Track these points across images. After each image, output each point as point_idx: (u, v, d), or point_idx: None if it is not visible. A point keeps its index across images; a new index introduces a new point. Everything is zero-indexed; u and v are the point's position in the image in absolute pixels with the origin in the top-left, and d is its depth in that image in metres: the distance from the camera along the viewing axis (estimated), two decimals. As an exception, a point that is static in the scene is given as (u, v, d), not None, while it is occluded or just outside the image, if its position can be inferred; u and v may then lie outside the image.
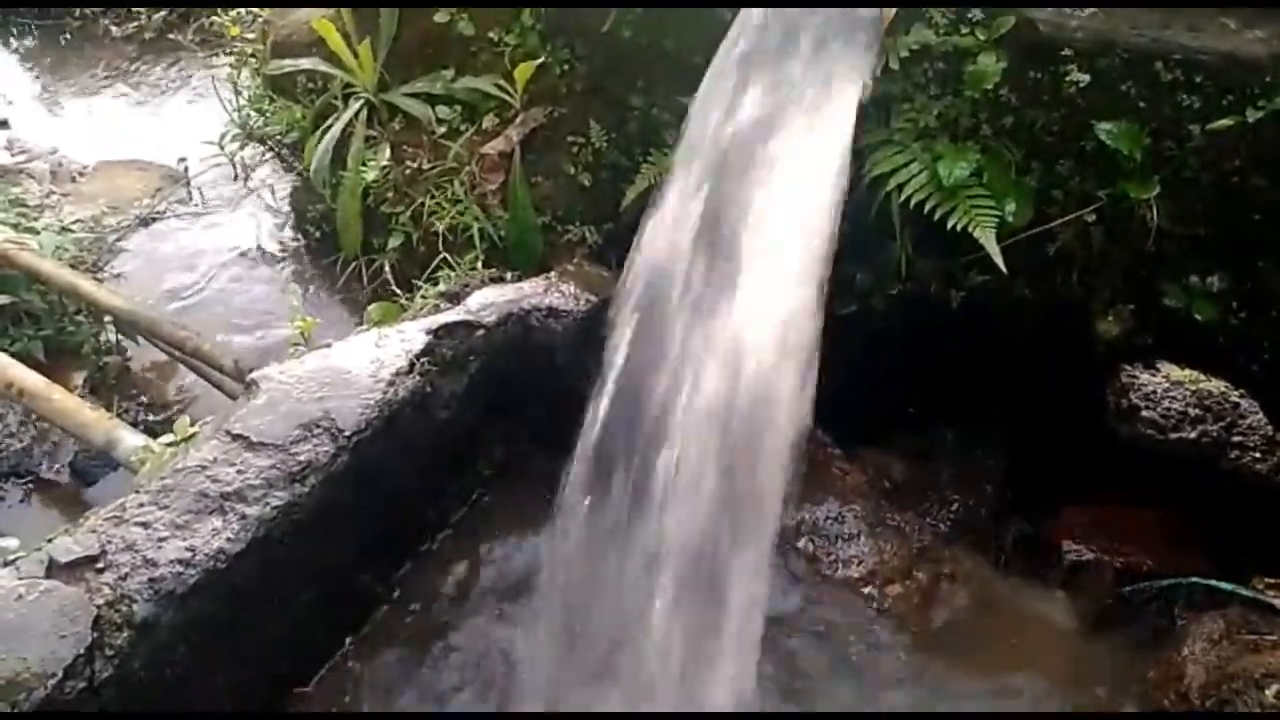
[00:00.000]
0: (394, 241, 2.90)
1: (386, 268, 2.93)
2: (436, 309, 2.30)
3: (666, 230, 1.88)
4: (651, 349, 1.82)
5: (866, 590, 2.05)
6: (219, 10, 3.91)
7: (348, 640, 1.92)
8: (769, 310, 1.74)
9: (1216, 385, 2.43)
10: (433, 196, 2.80)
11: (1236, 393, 2.41)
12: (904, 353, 2.32)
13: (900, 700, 1.91)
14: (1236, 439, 2.38)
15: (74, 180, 3.80)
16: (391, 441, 1.87)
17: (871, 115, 2.04)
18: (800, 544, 2.11)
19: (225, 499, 1.64)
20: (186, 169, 3.81)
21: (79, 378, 2.87)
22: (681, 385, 1.77)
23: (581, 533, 1.86)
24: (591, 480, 1.83)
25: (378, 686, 1.87)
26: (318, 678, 1.86)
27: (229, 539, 1.60)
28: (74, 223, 3.43)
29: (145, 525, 1.58)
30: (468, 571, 2.06)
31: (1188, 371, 2.43)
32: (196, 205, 3.69)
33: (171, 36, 4.79)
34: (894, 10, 1.95)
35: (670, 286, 1.84)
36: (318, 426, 1.78)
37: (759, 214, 1.80)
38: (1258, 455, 2.36)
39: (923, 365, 2.33)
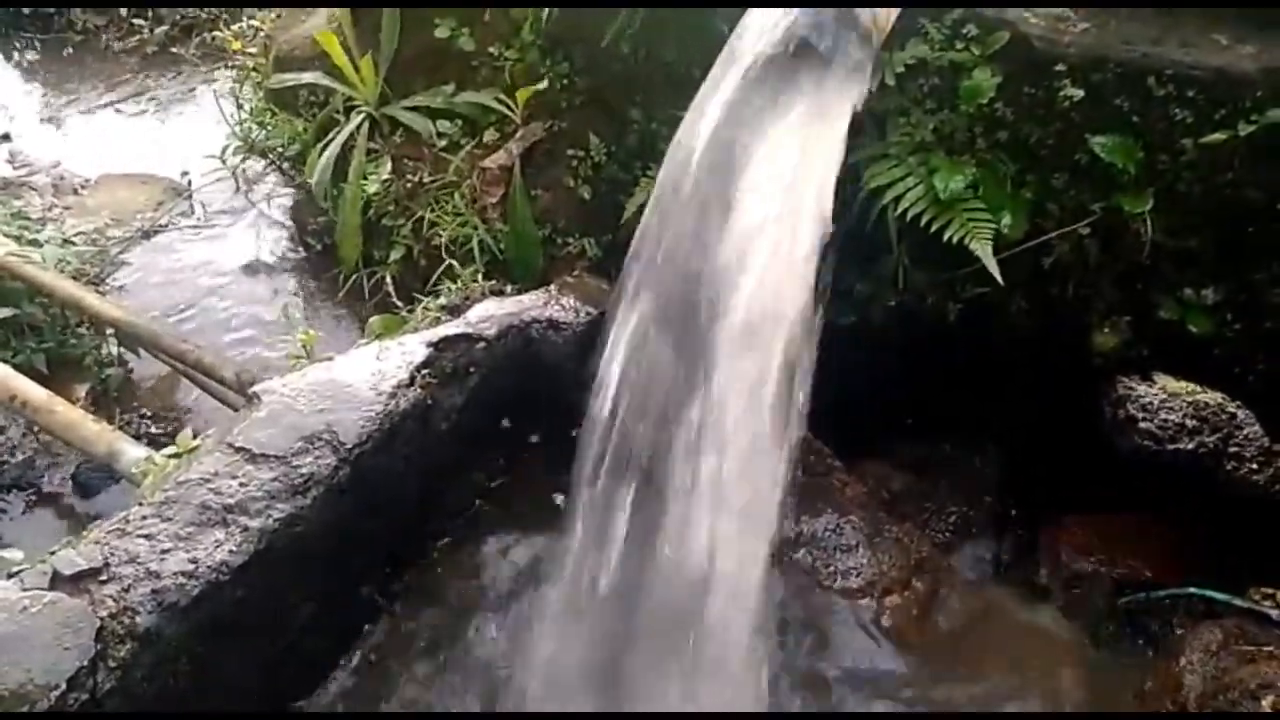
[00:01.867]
0: (395, 254, 2.92)
1: (388, 280, 2.94)
2: (437, 322, 2.32)
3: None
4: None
5: (865, 601, 2.06)
6: (221, 24, 3.93)
7: (349, 650, 1.93)
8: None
9: (1213, 396, 2.44)
10: (433, 210, 2.82)
11: (1233, 404, 2.42)
12: (902, 363, 2.33)
13: (898, 707, 1.92)
14: (1233, 450, 2.39)
15: (76, 193, 3.82)
16: (393, 453, 1.88)
17: (868, 129, 2.06)
18: (799, 555, 2.12)
19: (228, 511, 1.66)
20: (189, 182, 3.83)
21: (81, 390, 2.88)
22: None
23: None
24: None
25: (379, 695, 1.88)
26: (319, 688, 1.87)
27: (231, 551, 1.61)
28: (76, 235, 3.45)
29: (148, 537, 1.59)
30: (468, 580, 2.07)
31: (1184, 383, 2.44)
32: (198, 218, 3.71)
33: (174, 50, 4.83)
34: (891, 19, 1.96)
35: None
36: (319, 439, 1.79)
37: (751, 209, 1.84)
38: (1254, 466, 2.37)
39: (921, 376, 2.34)
